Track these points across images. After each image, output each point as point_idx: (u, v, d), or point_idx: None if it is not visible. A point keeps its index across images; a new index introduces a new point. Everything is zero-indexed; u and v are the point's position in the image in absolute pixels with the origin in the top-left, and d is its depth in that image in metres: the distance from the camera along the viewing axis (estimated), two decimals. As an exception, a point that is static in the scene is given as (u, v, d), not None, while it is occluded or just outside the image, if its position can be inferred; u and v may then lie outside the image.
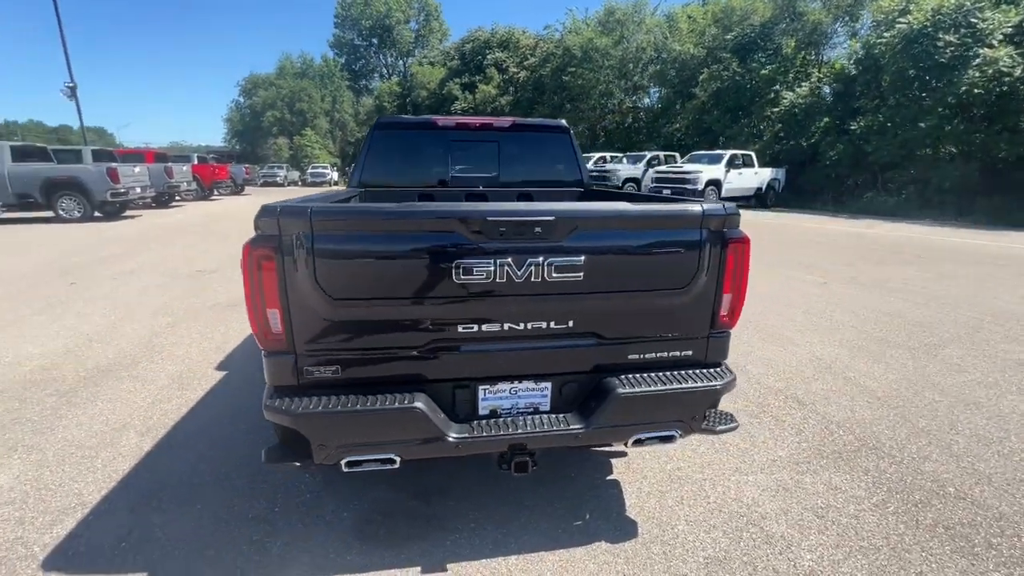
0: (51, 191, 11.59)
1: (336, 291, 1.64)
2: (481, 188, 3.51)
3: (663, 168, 17.12)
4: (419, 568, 1.90)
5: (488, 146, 3.57)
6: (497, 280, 1.69)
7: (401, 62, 61.03)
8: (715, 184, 15.72)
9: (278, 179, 38.09)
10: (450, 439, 1.74)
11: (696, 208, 1.82)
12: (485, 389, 1.87)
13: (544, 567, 1.91)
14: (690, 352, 1.97)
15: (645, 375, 1.91)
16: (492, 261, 1.68)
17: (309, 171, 39.31)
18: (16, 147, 11.75)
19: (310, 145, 48.23)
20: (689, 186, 15.36)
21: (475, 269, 1.67)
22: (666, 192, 15.83)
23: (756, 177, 17.10)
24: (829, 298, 5.67)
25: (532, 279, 1.71)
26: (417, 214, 1.67)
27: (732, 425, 1.99)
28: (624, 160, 20.81)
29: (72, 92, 20.19)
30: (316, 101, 50.52)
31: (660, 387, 1.85)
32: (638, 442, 1.91)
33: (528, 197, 3.52)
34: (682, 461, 2.60)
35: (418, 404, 1.71)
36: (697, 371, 1.95)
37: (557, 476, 2.46)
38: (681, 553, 1.98)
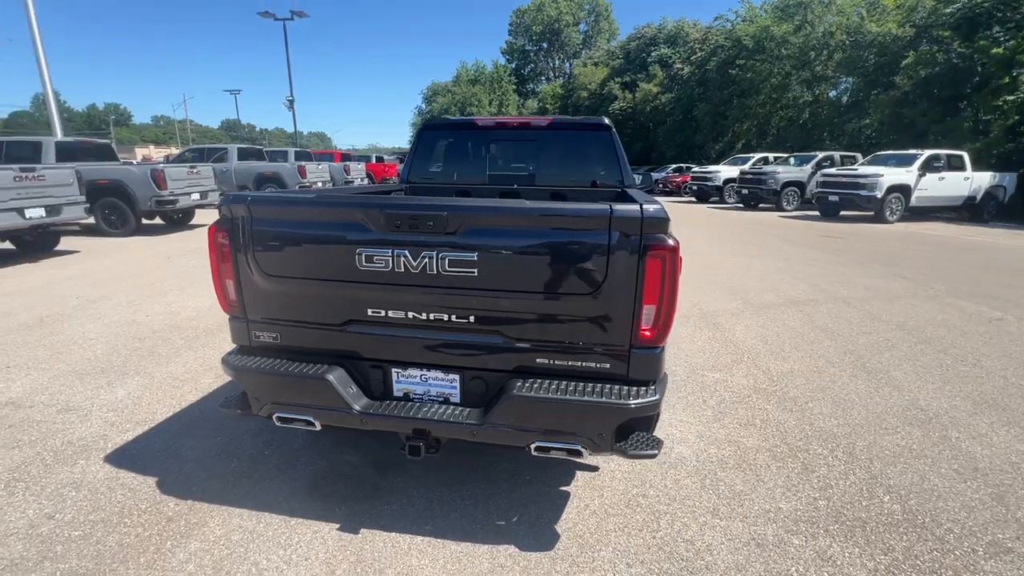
0: (260, 183, 14.60)
1: (268, 268, 1.92)
2: (516, 187, 3.56)
3: (832, 171, 14.77)
4: (338, 526, 2.09)
5: (526, 145, 3.59)
6: (395, 270, 1.79)
7: (567, 64, 62.29)
8: (901, 191, 13.04)
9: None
10: (354, 412, 1.90)
11: (603, 209, 1.68)
12: (398, 372, 1.98)
13: (441, 553, 1.95)
14: (607, 366, 1.82)
15: (552, 382, 1.82)
16: (390, 251, 1.78)
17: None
18: (241, 148, 15.09)
19: (475, 146, 52.06)
20: (863, 192, 13.01)
21: (375, 257, 1.79)
22: (832, 199, 13.69)
23: (966, 184, 13.74)
24: None
25: (427, 271, 1.77)
26: (327, 203, 1.86)
27: (649, 452, 1.78)
28: (791, 161, 18.53)
29: (291, 104, 24.90)
30: (484, 105, 54.24)
31: (556, 395, 1.75)
32: (542, 450, 1.83)
33: (561, 197, 3.47)
34: (653, 488, 2.37)
35: (328, 376, 1.90)
36: (611, 387, 1.79)
37: (511, 476, 2.44)
38: (585, 578, 1.86)
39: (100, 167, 9.73)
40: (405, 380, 1.99)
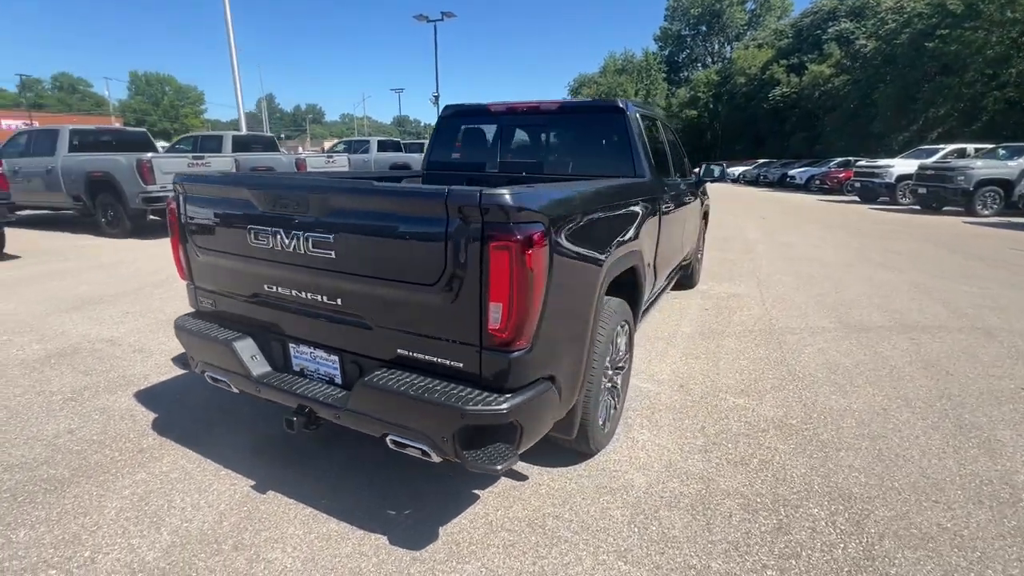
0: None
1: (196, 240, 2.12)
2: (524, 175, 3.40)
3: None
4: (253, 484, 2.25)
5: (535, 131, 3.39)
6: (274, 248, 1.85)
7: (727, 48, 57.32)
8: None
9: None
10: (252, 379, 2.02)
11: (439, 191, 1.52)
12: (294, 348, 2.05)
13: (319, 528, 1.99)
14: (460, 365, 1.67)
15: (407, 375, 1.73)
16: (269, 230, 1.84)
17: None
18: (380, 141, 16.81)
19: (616, 138, 50.75)
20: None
21: (259, 235, 1.87)
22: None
23: None
24: None
25: (297, 251, 1.80)
26: (228, 182, 1.98)
27: (491, 467, 1.59)
28: (1000, 153, 14.72)
29: (435, 100, 26.87)
30: (630, 95, 52.51)
31: (397, 388, 1.66)
32: (398, 444, 1.76)
33: None
34: (573, 512, 2.11)
35: (235, 343, 2.04)
36: (457, 388, 1.64)
37: (439, 473, 2.37)
38: (433, 588, 1.74)
39: (95, 157, 8.66)
40: (300, 356, 2.06)
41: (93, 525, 1.99)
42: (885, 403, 3.08)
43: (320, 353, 1.99)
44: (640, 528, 2.03)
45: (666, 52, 59.61)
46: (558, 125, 3.43)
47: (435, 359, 1.71)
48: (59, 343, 3.86)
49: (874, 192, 16.87)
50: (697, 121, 51.24)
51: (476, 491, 2.25)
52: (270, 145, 12.53)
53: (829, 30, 35.13)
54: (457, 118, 3.65)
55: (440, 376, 1.71)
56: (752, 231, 10.43)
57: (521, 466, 2.43)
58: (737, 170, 31.97)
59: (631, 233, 2.47)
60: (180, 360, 2.39)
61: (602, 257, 1.98)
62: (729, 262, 7.24)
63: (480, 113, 3.54)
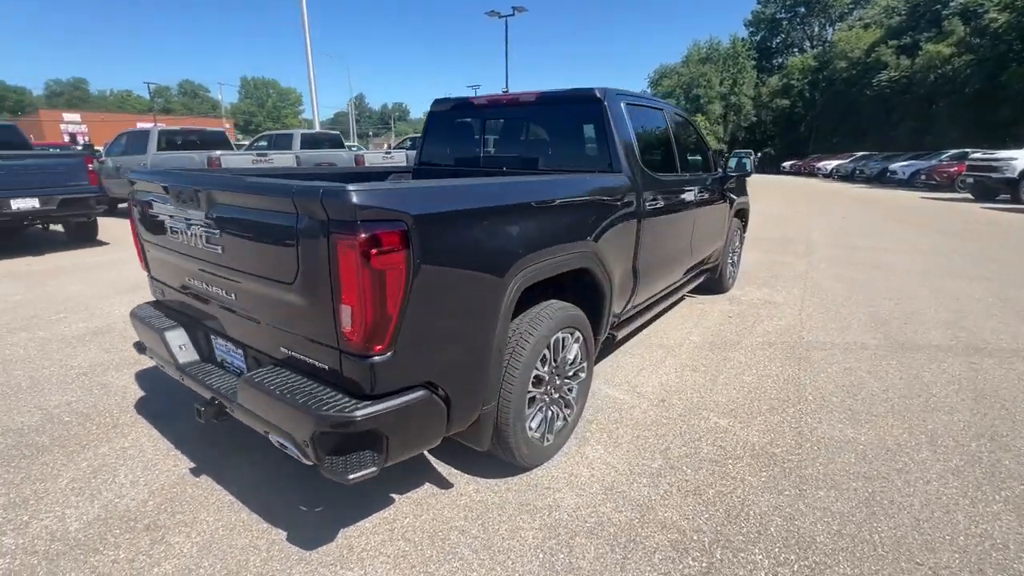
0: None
1: (142, 233, 2.24)
2: (504, 170, 3.26)
3: None
4: (192, 467, 2.36)
5: (516, 124, 3.23)
6: (184, 242, 1.90)
7: (828, 30, 52.40)
8: None
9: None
10: (177, 367, 2.10)
11: (286, 186, 1.46)
12: (214, 339, 2.11)
13: (230, 517, 2.03)
14: (326, 367, 1.61)
15: (286, 373, 1.70)
16: (178, 224, 1.89)
17: (686, 157, 39.47)
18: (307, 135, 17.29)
19: (697, 131, 48.16)
20: None
21: (173, 229, 1.93)
22: None
23: None
24: None
25: (196, 245, 1.83)
26: (150, 176, 2.05)
27: (343, 475, 1.52)
28: None
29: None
30: (714, 85, 49.54)
31: (265, 386, 1.63)
32: (280, 444, 1.74)
33: None
34: (483, 529, 2.00)
35: (166, 332, 2.14)
36: (326, 391, 1.58)
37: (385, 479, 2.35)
38: (310, 592, 1.71)
39: (176, 155, 9.32)
40: (219, 348, 2.11)
41: (43, 492, 2.18)
42: (903, 438, 2.63)
43: (231, 346, 2.03)
44: (546, 555, 1.87)
45: (757, 38, 55.44)
46: (537, 117, 3.26)
47: (309, 360, 1.67)
48: (99, 322, 4.30)
49: (990, 189, 14.62)
50: (789, 111, 47.30)
51: (393, 495, 2.20)
52: (336, 142, 13.21)
53: (951, 3, 30.83)
54: (445, 112, 3.59)
55: (316, 378, 1.67)
56: (820, 232, 9.43)
57: (450, 473, 2.34)
58: (830, 164, 29.16)
59: (576, 233, 2.28)
60: (138, 345, 2.55)
61: (507, 260, 1.83)
62: (779, 265, 6.59)
63: (466, 107, 3.45)
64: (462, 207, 1.66)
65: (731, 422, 2.79)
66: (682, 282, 4.08)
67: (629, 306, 3.10)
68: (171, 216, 1.96)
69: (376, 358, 1.52)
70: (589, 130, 2.97)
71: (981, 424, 2.76)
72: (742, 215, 5.34)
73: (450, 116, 3.57)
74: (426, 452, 2.47)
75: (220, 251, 1.76)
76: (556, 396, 2.41)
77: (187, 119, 63.16)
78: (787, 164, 35.85)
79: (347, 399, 1.55)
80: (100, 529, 1.97)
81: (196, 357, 2.17)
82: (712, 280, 4.94)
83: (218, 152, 8.87)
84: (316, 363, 1.64)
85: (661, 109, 3.55)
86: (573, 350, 2.45)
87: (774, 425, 2.76)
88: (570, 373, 2.48)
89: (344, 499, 2.16)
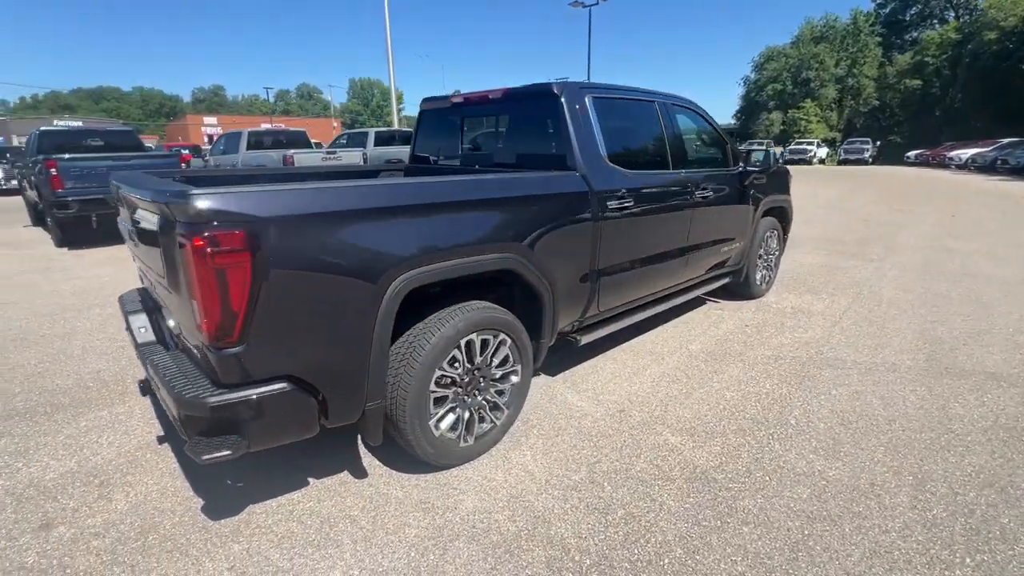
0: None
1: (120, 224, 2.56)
2: (477, 167, 3.25)
3: None
4: (159, 435, 2.66)
5: (488, 121, 3.19)
6: (131, 233, 2.14)
7: (978, -3, 45.00)
8: None
9: (756, 156, 37.07)
10: (136, 346, 2.38)
11: (156, 191, 1.60)
12: (162, 324, 2.36)
13: (168, 483, 2.28)
14: (199, 355, 1.75)
15: (182, 357, 1.88)
16: (125, 219, 2.14)
17: (791, 147, 36.05)
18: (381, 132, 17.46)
19: (805, 118, 43.83)
20: None
21: (123, 222, 2.19)
22: None
23: None
24: None
25: (133, 238, 2.06)
26: (114, 179, 2.32)
27: (198, 455, 1.65)
28: None
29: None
30: (828, 67, 44.66)
31: (155, 365, 1.82)
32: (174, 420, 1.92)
33: None
34: (375, 525, 2.06)
35: (130, 315, 2.44)
36: (198, 376, 1.74)
37: (296, 454, 2.50)
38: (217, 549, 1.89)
39: (258, 154, 10.11)
40: (164, 332, 2.35)
41: (41, 445, 2.59)
42: (884, 478, 2.27)
43: (170, 331, 2.27)
44: (418, 554, 1.89)
45: (886, 10, 48.97)
46: (504, 114, 3.20)
47: (192, 349, 1.83)
48: (156, 302, 4.95)
49: None
50: (922, 93, 41.33)
51: (310, 479, 2.33)
52: (407, 138, 13.86)
53: None
54: (432, 111, 3.64)
55: (197, 366, 1.82)
56: (913, 233, 8.21)
57: (371, 463, 2.42)
58: (966, 153, 25.15)
59: (493, 235, 2.23)
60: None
61: (380, 262, 1.85)
62: (838, 270, 5.87)
63: (446, 104, 3.48)
64: (319, 210, 1.71)
65: (684, 440, 2.58)
66: (684, 286, 3.81)
67: (593, 311, 2.97)
68: (122, 214, 2.24)
69: (229, 350, 1.63)
70: (547, 126, 2.87)
71: (996, 472, 2.30)
72: (780, 214, 4.83)
73: (436, 114, 3.63)
74: (359, 441, 2.58)
75: (137, 246, 1.98)
76: (479, 398, 2.39)
77: (300, 120, 69.49)
78: (912, 154, 31.42)
79: (210, 386, 1.69)
80: (67, 481, 2.31)
81: (152, 338, 2.44)
82: (736, 284, 4.54)
83: (292, 151, 9.70)
84: (195, 352, 1.80)
85: (652, 101, 3.32)
86: (501, 353, 2.42)
87: (731, 448, 2.51)
88: (497, 376, 2.44)
89: (266, 478, 2.32)
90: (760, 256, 4.65)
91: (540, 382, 3.22)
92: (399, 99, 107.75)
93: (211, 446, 1.69)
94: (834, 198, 13.37)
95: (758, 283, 4.70)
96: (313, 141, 13.16)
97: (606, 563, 1.84)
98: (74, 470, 2.39)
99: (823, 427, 2.69)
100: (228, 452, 1.68)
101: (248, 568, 1.83)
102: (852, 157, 32.77)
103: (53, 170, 7.03)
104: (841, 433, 2.63)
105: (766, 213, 4.55)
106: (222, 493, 2.23)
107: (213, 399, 1.63)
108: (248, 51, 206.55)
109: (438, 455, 2.26)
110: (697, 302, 4.69)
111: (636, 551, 1.90)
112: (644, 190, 3.04)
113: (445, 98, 3.45)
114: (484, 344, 2.33)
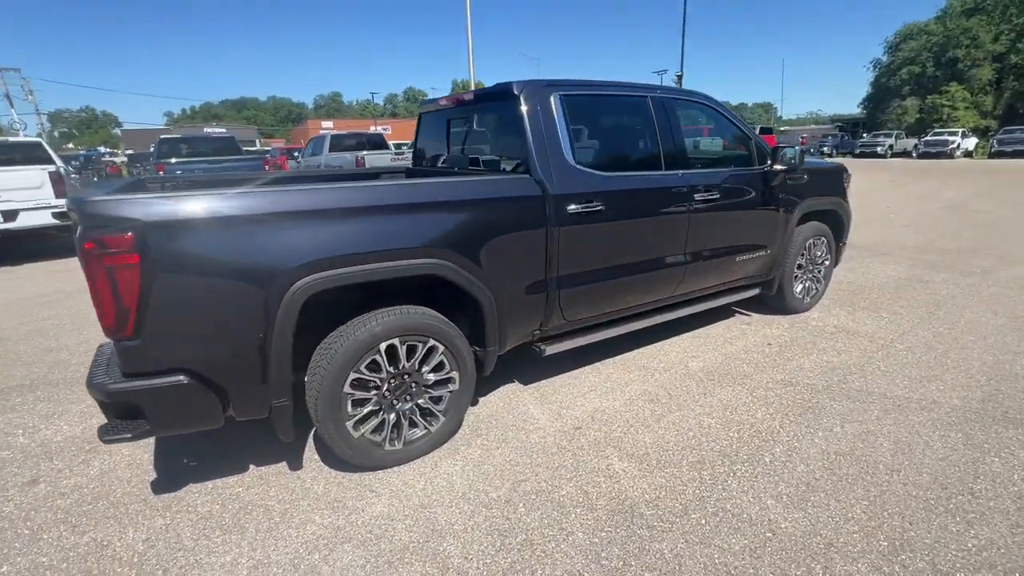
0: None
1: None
2: (455, 170, 3.21)
3: None
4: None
5: (466, 124, 3.12)
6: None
7: None
8: None
9: (878, 150, 32.84)
10: None
11: (77, 195, 1.78)
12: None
13: (139, 456, 2.56)
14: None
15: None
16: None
17: (925, 139, 31.22)
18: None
19: (948, 104, 37.75)
20: None
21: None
22: None
23: None
24: None
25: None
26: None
27: (104, 436, 1.83)
28: None
29: (679, 80, 25.17)
30: (983, 43, 38.01)
31: (97, 354, 2.04)
32: None
33: None
34: (284, 519, 2.15)
35: None
36: (114, 368, 1.92)
37: (260, 438, 2.68)
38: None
39: (336, 156, 10.75)
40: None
41: (25, 415, 3.00)
42: (845, 540, 1.91)
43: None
44: (306, 551, 1.94)
45: (1068, -29, 40.42)
46: (476, 116, 3.11)
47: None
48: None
49: None
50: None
51: (252, 465, 2.48)
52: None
53: None
54: (427, 113, 3.67)
55: None
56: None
57: (310, 458, 2.51)
58: None
59: (416, 239, 2.21)
60: None
61: (275, 265, 1.90)
62: (917, 285, 5.00)
63: (436, 107, 3.48)
64: (207, 215, 1.80)
65: (629, 467, 2.37)
66: (688, 298, 3.49)
67: (557, 321, 2.83)
68: None
69: (125, 343, 1.79)
70: (508, 128, 2.76)
71: (1006, 552, 1.83)
72: (830, 219, 4.23)
73: (430, 117, 3.65)
74: (311, 438, 2.68)
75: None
76: (409, 404, 2.39)
77: (405, 122, 73.75)
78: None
79: (116, 375, 1.86)
80: (68, 444, 2.68)
81: None
82: (769, 296, 4.06)
83: (363, 152, 10.35)
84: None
85: (645, 96, 3.06)
86: (434, 359, 2.39)
87: (678, 482, 2.26)
88: (431, 382, 2.42)
89: (218, 460, 2.52)
90: (801, 266, 4.11)
91: (509, 390, 3.13)
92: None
93: (116, 428, 1.87)
94: (960, 199, 11.40)
95: (797, 296, 4.16)
96: (406, 142, 13.95)
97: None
98: (78, 436, 2.76)
99: (802, 470, 2.32)
100: (129, 435, 1.85)
101: (159, 543, 1.99)
102: (1010, 149, 27.46)
103: (161, 172, 8.16)
104: (821, 479, 2.25)
105: (807, 217, 4.01)
106: (174, 470, 2.45)
107: (113, 386, 1.81)
108: (366, 55, 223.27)
109: (356, 456, 2.29)
110: (723, 313, 4.27)
111: (515, 581, 1.78)
112: (622, 194, 2.83)
113: (435, 101, 3.47)
114: (412, 350, 2.32)
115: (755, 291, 3.95)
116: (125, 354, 1.82)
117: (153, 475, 2.42)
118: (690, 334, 3.92)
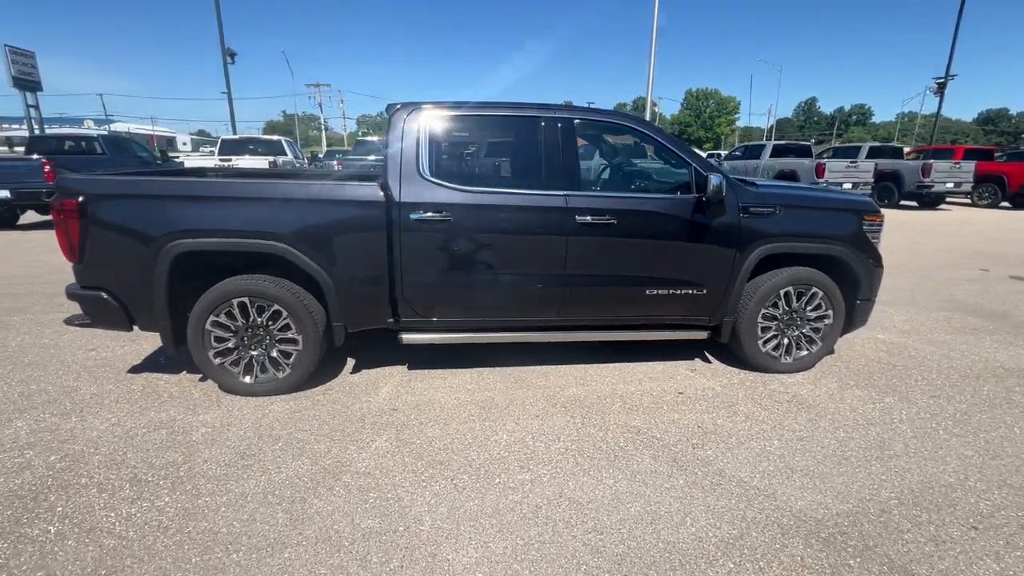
0: (779, 178, 14.14)
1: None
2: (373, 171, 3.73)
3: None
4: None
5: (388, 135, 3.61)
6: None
7: None
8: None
9: None
10: None
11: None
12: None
13: (135, 386, 3.88)
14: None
15: None
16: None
17: None
18: (872, 147, 15.35)
19: None
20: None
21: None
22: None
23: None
24: None
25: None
26: None
27: (68, 321, 3.00)
28: None
29: (939, 89, 19.95)
30: None
31: None
32: None
33: None
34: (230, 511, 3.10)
35: None
36: None
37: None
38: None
39: None
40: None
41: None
42: None
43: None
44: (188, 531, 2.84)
45: None
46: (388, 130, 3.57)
47: None
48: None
49: None
50: None
51: (223, 399, 3.53)
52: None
53: None
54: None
55: None
56: None
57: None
58: None
59: (261, 225, 2.89)
60: None
61: (152, 231, 2.80)
62: (957, 354, 3.53)
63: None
64: (119, 192, 2.80)
65: (387, 447, 2.66)
66: (585, 323, 3.38)
67: (409, 315, 3.17)
68: None
69: (77, 266, 2.93)
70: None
71: None
72: (830, 267, 3.40)
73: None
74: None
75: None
76: (258, 351, 3.11)
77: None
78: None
79: (76, 287, 3.03)
80: (69, 395, 4.19)
81: None
82: (734, 346, 3.55)
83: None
84: None
85: (538, 118, 3.09)
86: (282, 320, 3.06)
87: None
88: (278, 337, 3.09)
89: (211, 392, 3.64)
90: (775, 317, 3.45)
91: (380, 372, 3.57)
92: (734, 109, 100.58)
93: (73, 319, 3.06)
94: None
95: (765, 351, 3.48)
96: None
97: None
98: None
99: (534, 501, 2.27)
100: (78, 323, 3.01)
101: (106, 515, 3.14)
102: None
103: (339, 166, 10.62)
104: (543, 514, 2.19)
105: (781, 261, 3.35)
106: (171, 378, 3.66)
107: (71, 290, 2.98)
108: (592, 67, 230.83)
109: (217, 379, 3.12)
110: (684, 352, 3.84)
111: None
112: (477, 208, 3.02)
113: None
114: (261, 309, 3.03)
115: (700, 333, 3.50)
116: (77, 273, 2.98)
117: (139, 381, 3.67)
118: (630, 365, 3.68)
